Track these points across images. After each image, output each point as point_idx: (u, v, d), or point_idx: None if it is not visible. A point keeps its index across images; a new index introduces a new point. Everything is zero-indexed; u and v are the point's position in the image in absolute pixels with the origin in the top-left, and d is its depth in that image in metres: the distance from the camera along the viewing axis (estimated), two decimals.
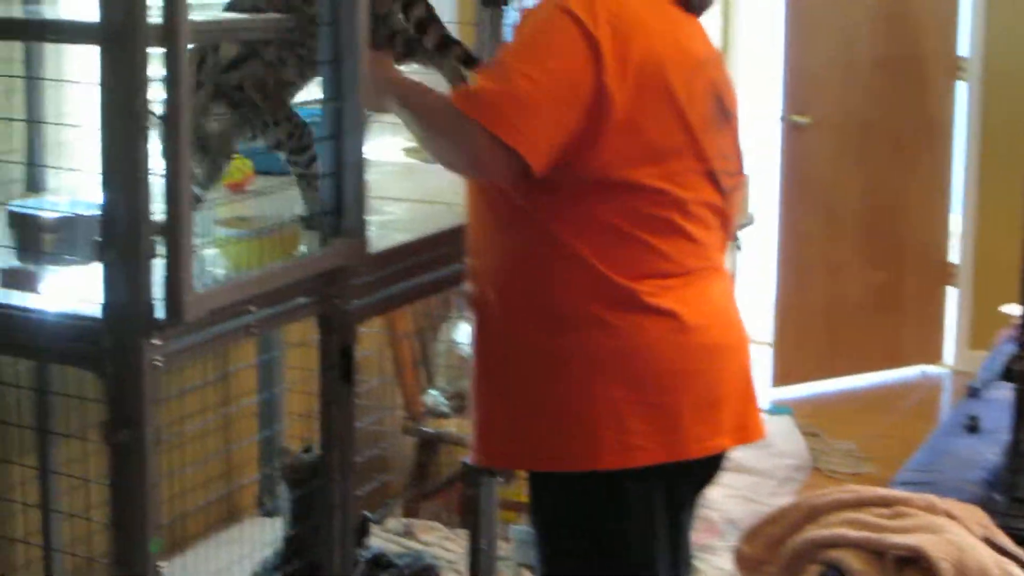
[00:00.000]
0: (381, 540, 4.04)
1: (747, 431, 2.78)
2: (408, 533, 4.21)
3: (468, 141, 2.59)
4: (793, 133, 6.57)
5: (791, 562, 2.83)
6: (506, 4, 3.33)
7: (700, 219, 2.68)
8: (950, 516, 2.98)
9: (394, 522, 4.31)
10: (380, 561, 3.57)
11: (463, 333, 4.35)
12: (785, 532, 2.88)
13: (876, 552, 2.73)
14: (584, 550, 2.71)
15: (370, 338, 3.04)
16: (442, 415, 4.53)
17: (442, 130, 2.67)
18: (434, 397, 4.55)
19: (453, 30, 3.92)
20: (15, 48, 3.22)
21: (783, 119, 6.54)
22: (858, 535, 2.78)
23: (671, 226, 2.65)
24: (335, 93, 2.73)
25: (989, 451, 4.47)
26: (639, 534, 2.70)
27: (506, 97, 2.56)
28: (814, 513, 2.88)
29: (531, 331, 2.68)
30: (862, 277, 6.87)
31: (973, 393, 5.30)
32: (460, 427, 4.44)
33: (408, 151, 4.01)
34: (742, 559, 2.87)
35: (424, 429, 4.52)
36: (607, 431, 2.63)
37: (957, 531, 2.86)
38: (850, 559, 2.73)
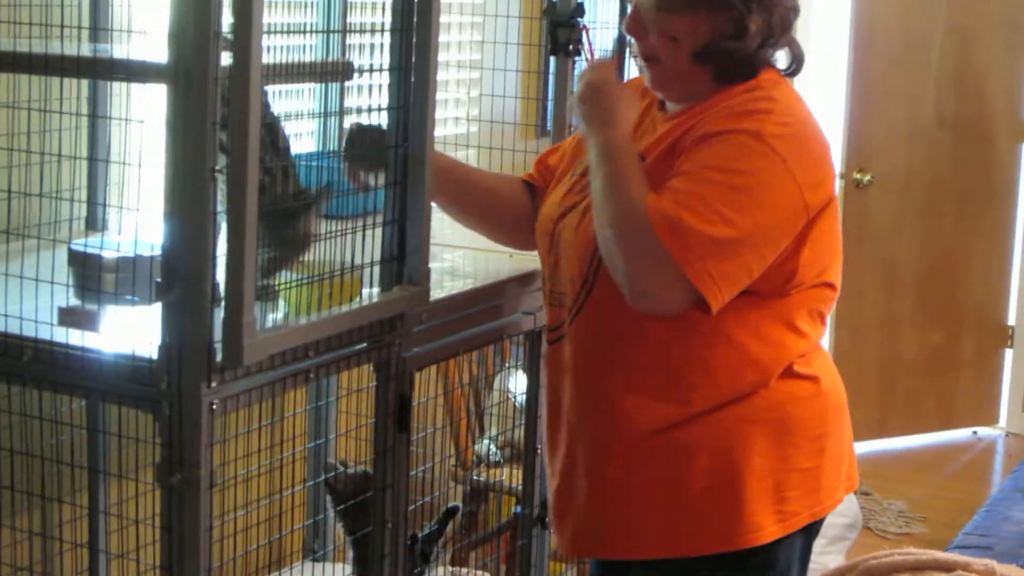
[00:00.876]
0: None
1: (853, 480, 2.86)
2: None
3: (651, 266, 2.50)
4: (853, 191, 6.54)
5: None
6: (578, 54, 3.30)
7: None
8: None
9: (443, 570, 4.27)
10: None
11: (517, 383, 4.32)
12: None
13: None
14: None
15: (424, 385, 3.01)
16: (493, 464, 4.51)
17: (627, 235, 2.53)
18: (486, 446, 4.53)
19: (516, 79, 3.94)
20: (82, 85, 3.22)
21: (843, 176, 6.50)
22: None
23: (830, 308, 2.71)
24: (400, 136, 2.71)
25: None
26: None
27: (706, 241, 2.48)
28: (871, 575, 2.84)
29: (675, 413, 2.65)
30: (918, 336, 6.82)
31: None
32: (510, 476, 4.41)
33: None
34: None
35: (475, 477, 4.49)
36: (766, 503, 2.63)
37: None
38: None
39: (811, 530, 2.76)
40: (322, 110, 3.19)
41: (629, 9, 2.70)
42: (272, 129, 2.63)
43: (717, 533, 2.65)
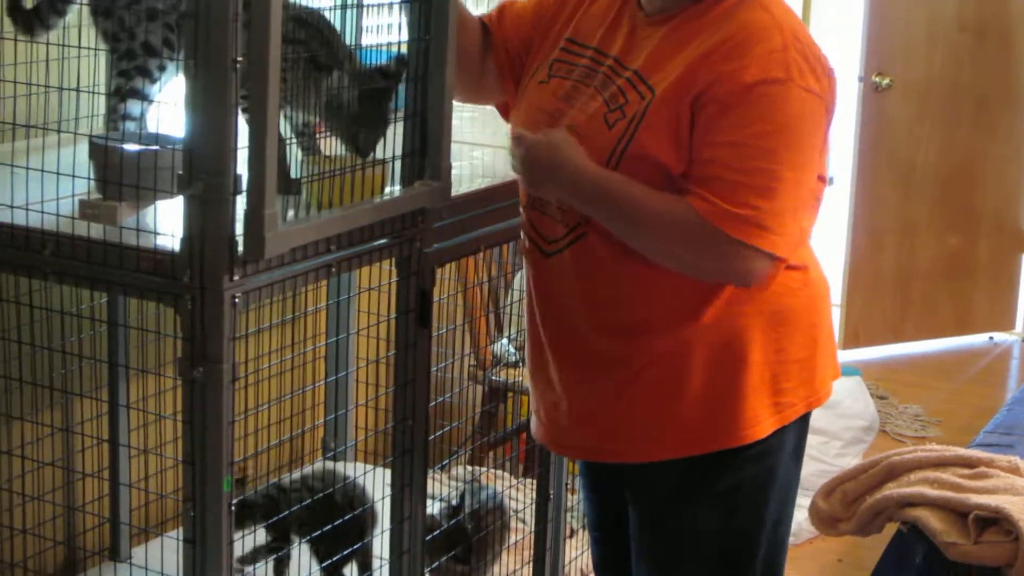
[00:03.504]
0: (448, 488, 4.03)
1: (837, 369, 2.83)
2: (474, 482, 4.20)
3: (727, 259, 2.49)
4: (872, 95, 6.49)
5: (869, 519, 2.80)
6: None
7: None
8: None
9: (460, 470, 4.29)
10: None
11: None
12: (863, 489, 2.84)
13: (956, 512, 2.70)
14: (759, 516, 2.73)
15: (442, 285, 3.01)
16: (511, 364, 4.51)
17: (686, 243, 2.51)
18: (503, 346, 4.53)
19: None
20: None
21: (862, 80, 6.46)
22: (939, 494, 2.74)
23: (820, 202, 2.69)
24: (421, 32, 2.69)
25: None
26: (793, 482, 2.78)
27: (778, 215, 2.47)
28: (893, 471, 2.84)
29: (675, 319, 2.64)
30: (936, 242, 6.81)
31: None
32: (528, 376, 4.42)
33: None
34: (818, 515, 2.83)
35: (492, 377, 4.50)
36: (764, 397, 2.65)
37: None
38: (929, 518, 2.69)
39: (805, 420, 2.77)
40: (341, 3, 3.15)
41: None
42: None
43: (717, 431, 2.65)
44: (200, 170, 2.34)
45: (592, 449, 2.80)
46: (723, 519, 2.70)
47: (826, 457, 4.95)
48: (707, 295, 2.59)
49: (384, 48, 2.89)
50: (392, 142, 2.70)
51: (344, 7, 3.04)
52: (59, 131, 2.68)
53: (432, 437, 3.05)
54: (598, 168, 2.57)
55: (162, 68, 2.78)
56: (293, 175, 2.62)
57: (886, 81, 6.48)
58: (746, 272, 2.53)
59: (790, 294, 2.65)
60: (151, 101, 2.81)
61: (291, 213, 2.54)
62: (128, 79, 2.78)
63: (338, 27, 2.81)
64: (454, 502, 3.46)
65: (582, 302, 2.68)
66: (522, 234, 2.80)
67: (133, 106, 2.78)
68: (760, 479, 2.70)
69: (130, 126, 2.80)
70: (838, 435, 5.17)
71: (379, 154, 2.69)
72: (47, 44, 2.73)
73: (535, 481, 3.62)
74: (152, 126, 2.81)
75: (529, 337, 2.85)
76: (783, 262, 2.52)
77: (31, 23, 2.82)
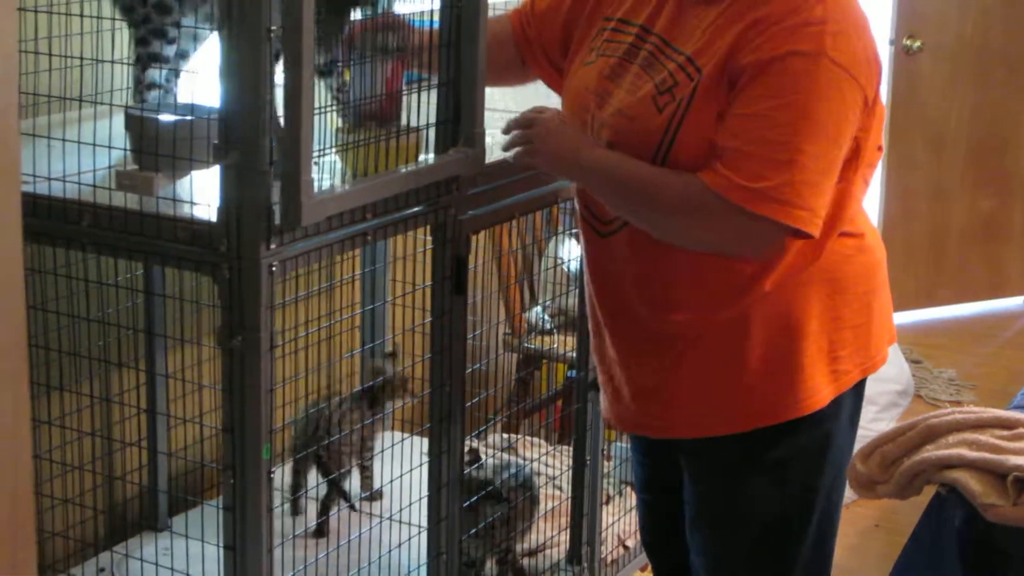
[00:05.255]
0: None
1: (893, 333, 2.85)
2: (510, 449, 4.21)
3: (742, 233, 2.48)
4: (903, 58, 6.46)
5: (907, 481, 2.79)
6: None
7: None
8: None
9: (495, 438, 4.30)
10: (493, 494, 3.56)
11: (568, 250, 4.33)
12: (901, 451, 2.83)
13: (995, 473, 2.69)
14: (814, 484, 2.75)
15: (476, 252, 3.02)
16: (545, 332, 4.52)
17: (699, 219, 2.51)
18: (537, 313, 4.54)
19: None
20: None
21: (893, 43, 6.43)
22: (977, 456, 2.74)
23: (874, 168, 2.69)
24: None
25: None
26: (848, 449, 2.82)
27: (795, 186, 2.43)
28: (931, 433, 2.83)
29: (731, 292, 2.63)
30: (968, 205, 6.78)
31: None
32: (562, 343, 4.43)
33: None
34: (856, 477, 2.82)
35: (527, 345, 4.51)
36: (822, 365, 2.65)
37: None
38: (968, 480, 2.69)
39: (861, 386, 2.78)
40: None
41: None
42: None
43: (776, 403, 2.66)
44: (235, 140, 2.35)
45: (652, 426, 2.80)
46: (779, 487, 2.71)
47: (862, 421, 4.93)
48: (762, 267, 2.58)
49: (416, 17, 2.88)
50: (426, 110, 2.70)
51: None
52: (94, 103, 2.69)
53: (468, 404, 3.06)
54: (604, 151, 2.59)
55: (177, 24, 2.78)
56: (329, 144, 2.63)
57: (917, 44, 6.45)
58: (762, 245, 2.52)
59: (845, 261, 2.65)
60: (171, 65, 2.82)
61: (327, 180, 2.55)
62: (146, 45, 2.80)
63: None
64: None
65: (637, 280, 2.68)
66: (577, 211, 2.82)
67: (154, 72, 2.80)
68: (816, 447, 2.71)
69: (154, 94, 2.81)
70: (873, 400, 5.17)
71: (413, 121, 2.69)
72: (80, 16, 2.74)
73: (571, 448, 3.63)
74: (184, 95, 2.82)
75: (589, 316, 2.87)
76: (805, 236, 2.49)
77: None
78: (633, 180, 2.55)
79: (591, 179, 2.64)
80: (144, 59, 2.80)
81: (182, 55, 2.88)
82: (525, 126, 2.65)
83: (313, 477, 3.49)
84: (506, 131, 2.68)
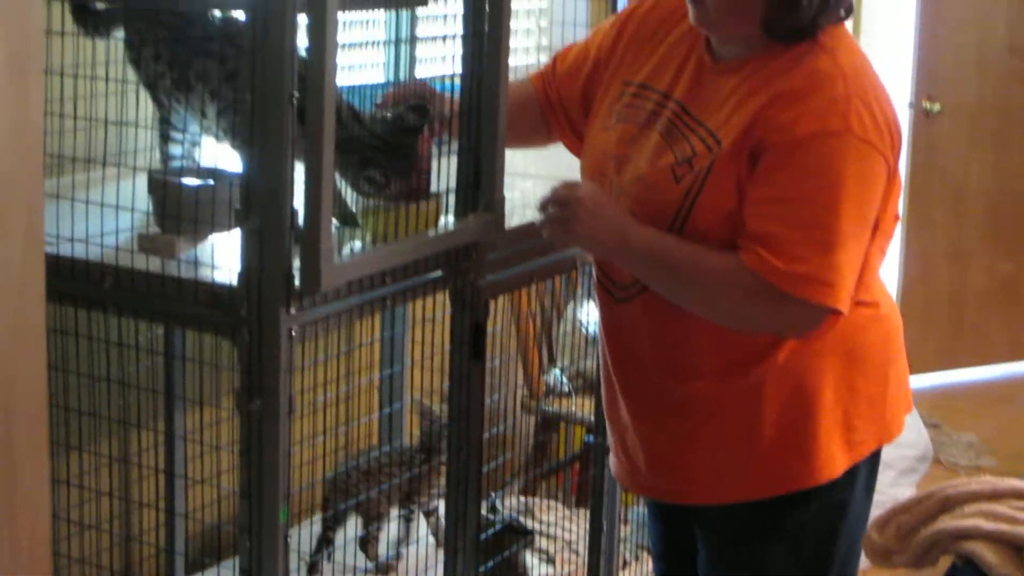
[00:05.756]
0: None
1: (909, 402, 2.83)
2: (527, 512, 4.20)
3: (783, 315, 2.50)
4: (923, 120, 6.48)
5: (923, 551, 2.79)
6: None
7: None
8: None
9: (513, 501, 4.30)
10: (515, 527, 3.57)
11: (587, 312, 4.33)
12: (917, 521, 2.84)
13: (1012, 545, 2.69)
14: (829, 553, 2.73)
15: (495, 315, 3.02)
16: (563, 394, 4.52)
17: (741, 301, 2.52)
18: (555, 376, 4.54)
19: (585, 7, 3.92)
20: None
21: (912, 106, 6.44)
22: (993, 527, 2.74)
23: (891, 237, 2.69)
24: (474, 65, 2.71)
25: None
26: (863, 518, 2.80)
27: (836, 268, 2.45)
28: (948, 503, 2.84)
29: (746, 361, 2.64)
30: (988, 267, 6.78)
31: None
32: (580, 406, 4.43)
33: None
34: (872, 547, 2.83)
35: (545, 408, 4.51)
36: (837, 435, 2.65)
37: None
38: (984, 551, 2.69)
39: (876, 456, 2.77)
40: (394, 38, 3.18)
41: None
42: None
43: (790, 472, 2.65)
44: (257, 204, 2.36)
45: (666, 491, 2.80)
46: (793, 556, 2.70)
47: (880, 487, 4.88)
48: (777, 337, 2.59)
49: (439, 81, 2.90)
50: (446, 175, 2.72)
51: (398, 41, 3.07)
52: (118, 165, 2.70)
53: (486, 469, 3.06)
54: (647, 228, 2.57)
55: (185, 103, 2.80)
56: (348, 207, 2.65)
57: (936, 107, 6.46)
58: (803, 326, 2.53)
59: (861, 330, 2.64)
60: (192, 139, 2.85)
61: (347, 246, 2.56)
62: (168, 122, 2.83)
63: (392, 61, 2.84)
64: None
65: (653, 347, 2.69)
66: (593, 276, 2.82)
67: (176, 146, 2.83)
68: (831, 516, 2.69)
69: (177, 163, 2.84)
70: (891, 464, 5.14)
71: (433, 187, 2.71)
72: (105, 80, 2.76)
73: (588, 512, 3.63)
74: (207, 159, 2.85)
75: (603, 380, 2.87)
76: (841, 313, 2.50)
77: (90, 21, 2.85)
78: (681, 264, 2.55)
79: (636, 262, 2.62)
80: (167, 133, 2.83)
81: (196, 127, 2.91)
82: (562, 204, 2.61)
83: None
84: (541, 208, 2.65)
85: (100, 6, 2.87)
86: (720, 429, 2.66)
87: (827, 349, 2.62)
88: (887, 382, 2.71)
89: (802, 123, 2.47)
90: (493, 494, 3.63)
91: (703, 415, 2.67)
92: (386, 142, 2.60)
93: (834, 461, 2.65)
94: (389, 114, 2.65)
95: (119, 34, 2.87)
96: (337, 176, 2.63)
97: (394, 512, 3.58)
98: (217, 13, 2.74)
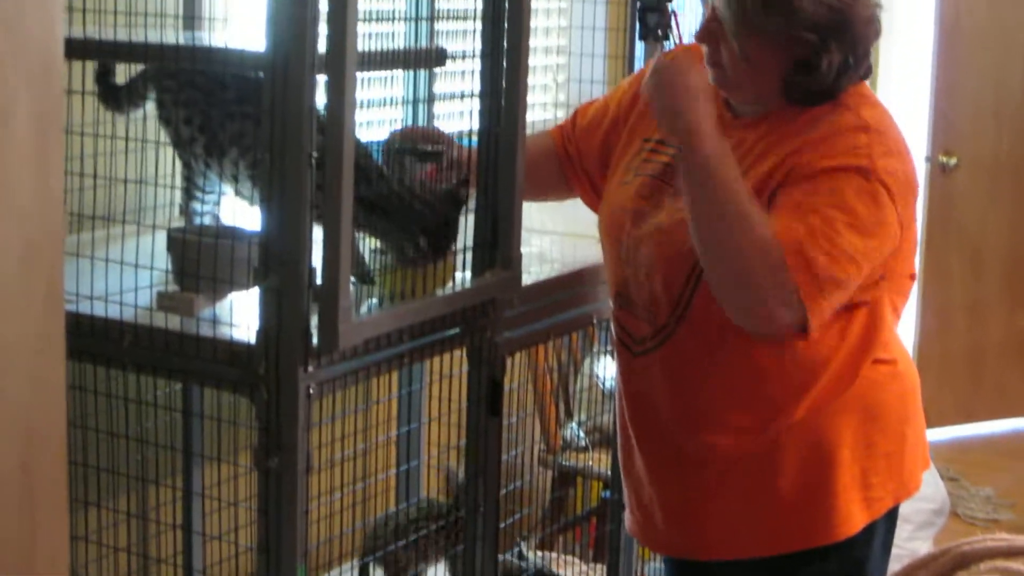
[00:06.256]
0: None
1: (927, 459, 2.84)
2: (544, 567, 4.19)
3: (775, 298, 2.46)
4: (939, 174, 6.48)
5: None
6: (667, 39, 3.28)
7: None
8: None
9: (531, 556, 4.28)
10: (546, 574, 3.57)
11: (604, 367, 4.33)
12: None
13: None
14: None
15: (512, 371, 3.03)
16: (580, 449, 4.52)
17: (758, 270, 2.45)
18: (573, 430, 4.54)
19: (603, 64, 3.94)
20: None
21: (928, 160, 6.45)
22: None
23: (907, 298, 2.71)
24: (491, 122, 2.73)
25: None
26: (880, 574, 2.79)
27: (832, 282, 2.46)
28: (964, 560, 2.82)
29: (763, 418, 2.65)
30: (1006, 320, 6.77)
31: None
32: (597, 461, 4.42)
33: None
34: None
35: (562, 462, 4.51)
36: (854, 493, 2.65)
37: None
38: None
39: (894, 513, 2.77)
40: (411, 97, 3.20)
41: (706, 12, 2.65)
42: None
43: (808, 529, 2.65)
44: (275, 263, 2.37)
45: (682, 547, 2.80)
46: None
47: (897, 540, 4.87)
48: (795, 393, 2.59)
49: (458, 137, 2.92)
50: (464, 232, 2.73)
51: (415, 101, 3.08)
52: (137, 223, 2.72)
53: (503, 525, 3.06)
54: (719, 141, 2.50)
55: (217, 167, 2.81)
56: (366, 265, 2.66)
57: (953, 160, 6.47)
58: (772, 321, 2.49)
59: (879, 388, 2.65)
60: (215, 197, 2.86)
61: (364, 304, 2.57)
62: (192, 180, 2.85)
63: (410, 119, 2.85)
64: None
65: (670, 402, 2.69)
66: (612, 331, 2.83)
67: (197, 204, 2.85)
68: (848, 573, 2.69)
69: (197, 220, 2.85)
70: (909, 518, 5.12)
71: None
72: (125, 139, 2.78)
73: (605, 567, 3.62)
74: (227, 218, 2.86)
75: (619, 434, 2.87)
76: (804, 335, 2.49)
77: (113, 96, 2.87)
78: (729, 185, 2.47)
79: (697, 163, 2.50)
80: (190, 190, 2.85)
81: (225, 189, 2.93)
82: (655, 69, 2.56)
83: None
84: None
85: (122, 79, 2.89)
86: (737, 484, 2.66)
87: (846, 407, 2.62)
88: (905, 439, 2.70)
89: (823, 160, 2.50)
90: (521, 542, 3.63)
91: (719, 470, 2.67)
92: (440, 214, 2.62)
93: (852, 518, 2.64)
94: (444, 186, 2.68)
95: (147, 106, 2.89)
96: (374, 238, 2.65)
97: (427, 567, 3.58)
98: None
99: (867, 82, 2.69)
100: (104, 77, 2.89)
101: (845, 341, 2.59)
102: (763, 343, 2.57)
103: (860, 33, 2.58)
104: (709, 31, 2.61)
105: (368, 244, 2.70)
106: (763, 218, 2.46)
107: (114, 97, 2.89)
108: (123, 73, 2.96)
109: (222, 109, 2.75)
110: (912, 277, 2.66)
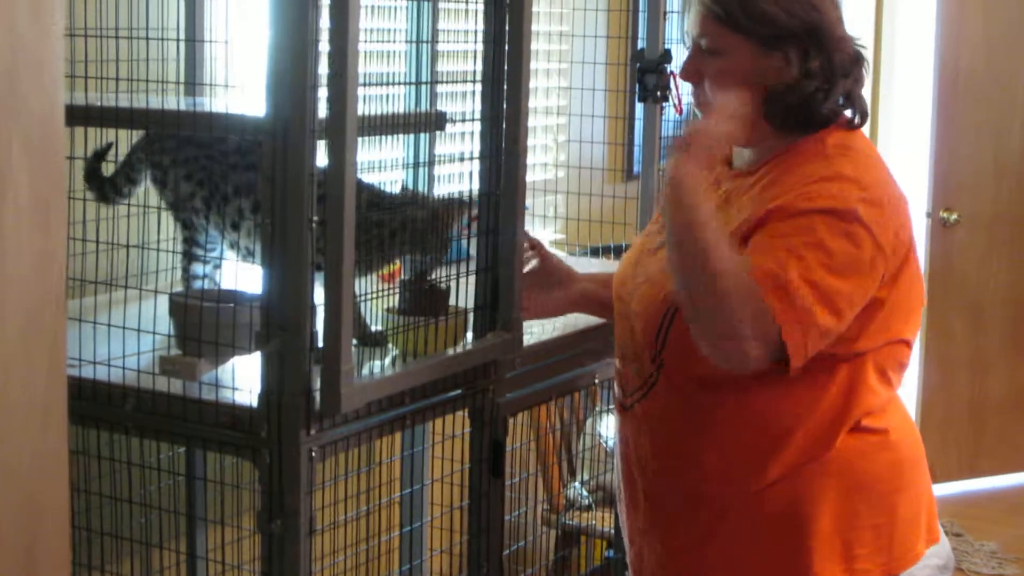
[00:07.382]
0: None
1: (933, 533, 2.77)
2: None
3: (751, 329, 2.38)
4: (940, 229, 6.49)
5: None
6: (666, 100, 3.30)
7: None
8: None
9: None
10: None
11: (607, 426, 4.33)
12: None
13: None
14: None
15: (515, 431, 3.03)
16: (584, 508, 4.51)
17: (728, 299, 2.38)
18: (576, 489, 4.54)
19: (603, 124, 3.96)
20: None
21: (929, 215, 6.46)
22: None
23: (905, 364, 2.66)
24: (492, 184, 2.75)
25: None
26: None
27: (814, 322, 2.40)
28: None
29: (736, 477, 2.62)
30: (1009, 375, 6.76)
31: None
32: (601, 520, 4.42)
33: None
34: None
35: (566, 522, 4.50)
36: (835, 563, 2.60)
37: None
38: None
39: None
40: (413, 160, 3.22)
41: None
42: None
43: None
44: (277, 327, 2.38)
45: None
46: None
47: None
48: (770, 447, 2.57)
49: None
50: (465, 294, 2.74)
51: (416, 165, 3.10)
52: (140, 288, 2.73)
53: None
54: (708, 203, 2.48)
55: (219, 221, 2.83)
56: (374, 327, 2.67)
57: (953, 216, 6.48)
58: (749, 351, 2.41)
59: (862, 457, 2.60)
60: (215, 260, 2.88)
61: (367, 366, 2.58)
62: (192, 243, 2.86)
63: (411, 183, 2.87)
64: None
65: (651, 456, 2.69)
66: (613, 389, 2.84)
67: (198, 266, 2.87)
68: None
69: (199, 284, 2.87)
70: (913, 574, 5.11)
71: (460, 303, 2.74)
72: (127, 205, 2.80)
73: None
74: (228, 282, 2.87)
75: (619, 492, 2.87)
76: (786, 362, 2.43)
77: (106, 191, 2.90)
78: (707, 236, 2.41)
79: (678, 203, 2.45)
80: (191, 252, 2.87)
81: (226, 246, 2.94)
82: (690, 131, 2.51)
83: None
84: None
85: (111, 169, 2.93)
86: (717, 547, 2.65)
87: (823, 471, 2.57)
88: (895, 512, 2.65)
89: (806, 200, 2.48)
90: None
91: (699, 532, 2.66)
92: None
93: None
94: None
95: (137, 190, 2.92)
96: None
97: None
98: None
99: (868, 135, 2.68)
100: (94, 174, 2.92)
101: (820, 401, 2.56)
102: (736, 390, 2.56)
103: (834, 43, 2.58)
104: (691, 65, 2.63)
105: (382, 305, 2.72)
106: (735, 251, 2.44)
107: (111, 188, 2.92)
108: (125, 140, 2.98)
109: (223, 162, 2.78)
110: (907, 344, 2.63)
